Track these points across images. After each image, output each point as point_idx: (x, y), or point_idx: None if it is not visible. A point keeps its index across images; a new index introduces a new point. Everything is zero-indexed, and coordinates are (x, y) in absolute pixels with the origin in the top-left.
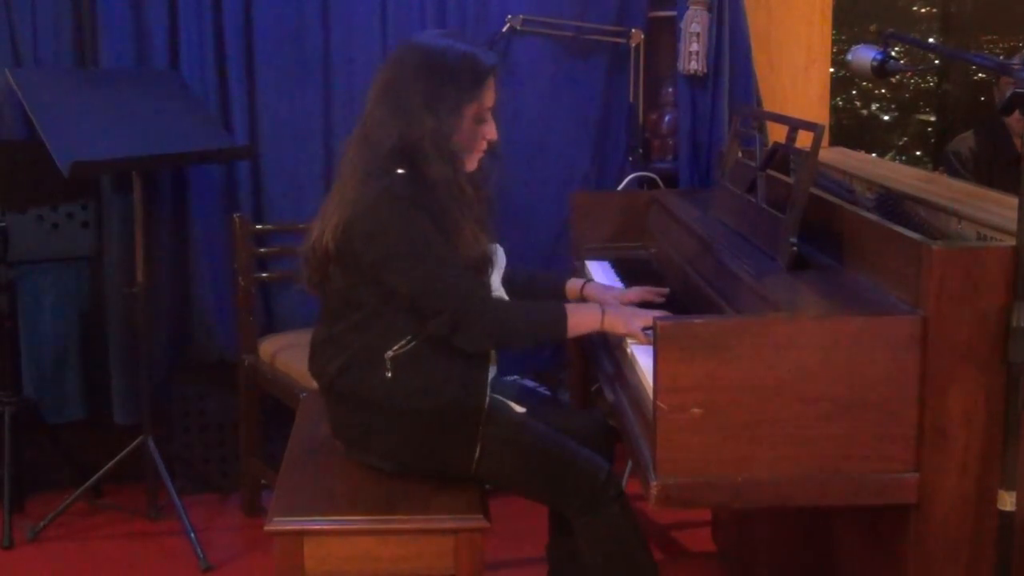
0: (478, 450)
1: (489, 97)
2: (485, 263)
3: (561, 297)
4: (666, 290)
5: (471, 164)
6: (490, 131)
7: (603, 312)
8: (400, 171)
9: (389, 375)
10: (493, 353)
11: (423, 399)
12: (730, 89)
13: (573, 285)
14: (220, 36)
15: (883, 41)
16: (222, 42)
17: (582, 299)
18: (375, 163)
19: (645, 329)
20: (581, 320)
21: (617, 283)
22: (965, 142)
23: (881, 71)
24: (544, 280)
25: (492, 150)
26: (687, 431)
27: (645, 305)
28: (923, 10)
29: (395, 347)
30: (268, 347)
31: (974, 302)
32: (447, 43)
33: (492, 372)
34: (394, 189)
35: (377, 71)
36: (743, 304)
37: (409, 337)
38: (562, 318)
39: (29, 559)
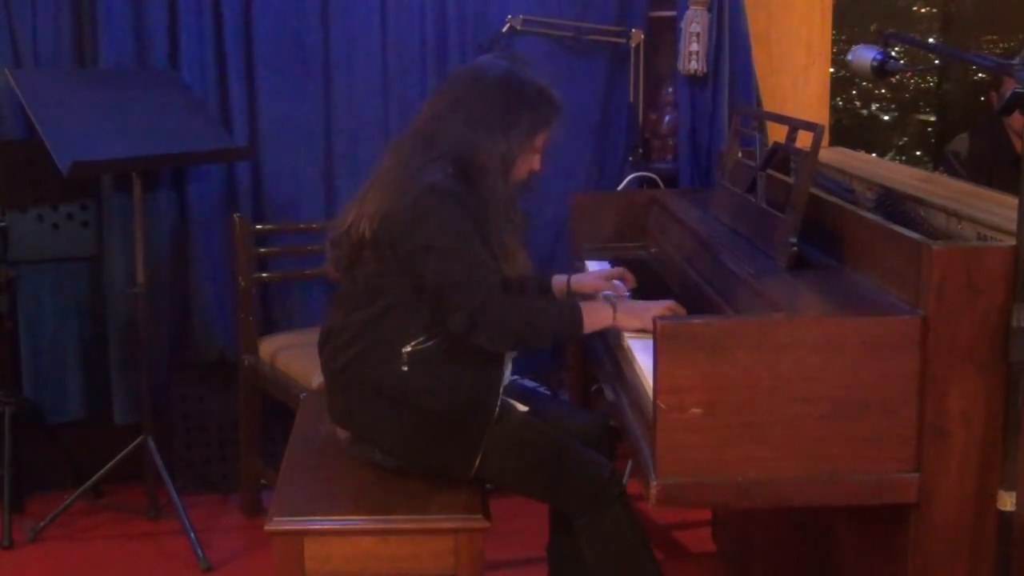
0: (480, 455)
1: (550, 132)
2: (528, 282)
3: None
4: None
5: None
6: (537, 162)
7: (615, 308)
8: (451, 171)
9: (405, 369)
10: (507, 355)
11: (435, 398)
12: (730, 89)
13: (559, 282)
14: (220, 36)
15: (883, 41)
16: (222, 42)
17: (571, 294)
18: (428, 162)
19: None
20: (596, 318)
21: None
22: (964, 142)
23: (881, 71)
24: (530, 288)
25: (529, 181)
26: (687, 431)
27: (648, 295)
28: (923, 10)
29: (413, 342)
30: (268, 347)
31: (974, 302)
32: (527, 73)
33: (507, 376)
34: (441, 184)
35: (446, 81)
36: (743, 304)
37: (428, 334)
38: (578, 317)
39: (29, 559)
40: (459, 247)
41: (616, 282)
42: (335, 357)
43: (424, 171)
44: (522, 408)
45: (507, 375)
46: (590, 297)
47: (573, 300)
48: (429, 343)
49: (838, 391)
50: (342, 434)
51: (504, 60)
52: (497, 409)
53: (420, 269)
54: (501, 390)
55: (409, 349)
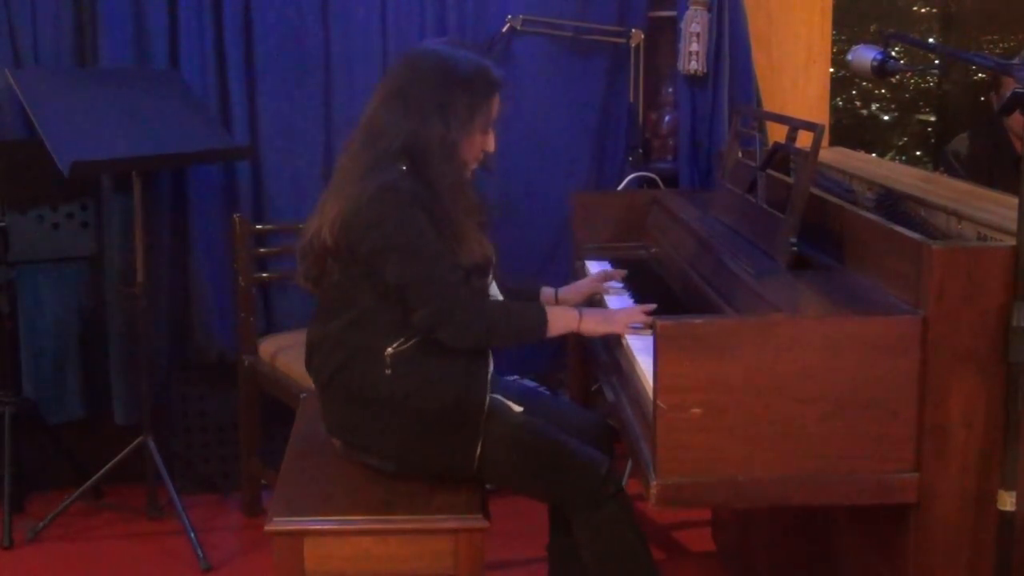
0: (479, 449)
1: (495, 109)
2: (488, 265)
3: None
4: (623, 272)
5: (468, 173)
6: (490, 143)
7: (580, 315)
8: (403, 167)
9: (389, 372)
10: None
11: (424, 397)
12: (730, 89)
13: (547, 295)
14: (220, 36)
15: (883, 41)
16: (222, 42)
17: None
18: (378, 160)
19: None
20: (559, 322)
21: (616, 284)
22: (964, 142)
23: (881, 71)
24: (517, 292)
25: (486, 162)
26: (687, 431)
27: (648, 295)
28: (923, 10)
29: (395, 344)
30: (268, 347)
31: (974, 302)
32: (461, 52)
33: (491, 365)
34: (395, 183)
35: (386, 73)
36: (743, 304)
37: (405, 336)
38: (543, 320)
39: (29, 559)
40: (417, 246)
41: (612, 283)
42: (321, 369)
43: (376, 170)
44: (517, 408)
45: (491, 365)
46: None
47: (540, 304)
48: (408, 344)
49: (838, 391)
50: (336, 443)
51: (441, 43)
52: (488, 399)
53: (382, 270)
54: (488, 379)
55: (390, 351)
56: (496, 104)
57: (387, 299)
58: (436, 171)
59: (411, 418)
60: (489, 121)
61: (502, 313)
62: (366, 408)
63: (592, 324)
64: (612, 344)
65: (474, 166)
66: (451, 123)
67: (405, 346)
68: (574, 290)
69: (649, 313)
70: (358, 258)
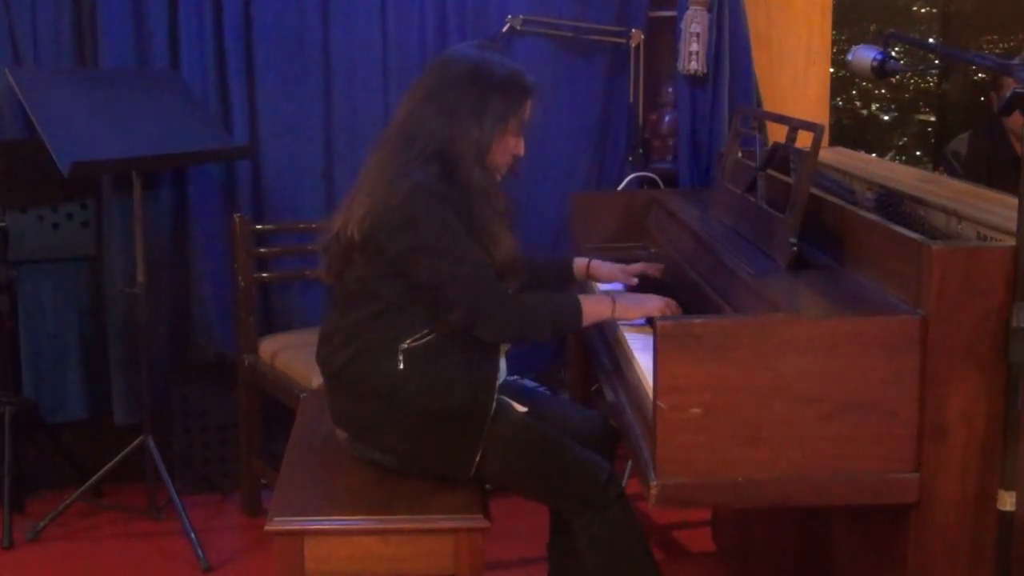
0: (479, 454)
1: (527, 114)
2: (517, 268)
3: (569, 278)
4: (662, 266)
5: (498, 176)
6: (519, 147)
7: (614, 301)
8: (434, 169)
9: (401, 367)
10: (502, 352)
11: (431, 397)
12: (730, 89)
13: (579, 264)
14: (220, 36)
15: (883, 41)
16: (222, 42)
17: (588, 276)
18: (411, 162)
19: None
20: (594, 310)
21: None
22: (964, 142)
23: (881, 71)
24: (546, 265)
25: (515, 167)
26: (687, 431)
27: (655, 287)
28: (923, 10)
29: (410, 340)
30: (268, 347)
31: (974, 302)
32: (495, 57)
33: (502, 374)
34: (427, 184)
35: (422, 76)
36: (743, 304)
37: (425, 331)
38: (578, 309)
39: (29, 559)
40: (449, 245)
41: (633, 278)
42: (332, 359)
43: (408, 171)
44: (521, 408)
45: (503, 372)
46: (602, 282)
47: (572, 294)
48: (422, 342)
49: (838, 391)
50: (341, 435)
51: (473, 47)
52: (494, 406)
53: (414, 270)
54: (497, 387)
55: (406, 346)
56: (528, 109)
57: (410, 296)
58: (469, 174)
59: (416, 416)
60: (521, 126)
61: (538, 306)
62: (373, 401)
63: (624, 311)
64: (612, 344)
65: (504, 169)
66: (485, 126)
67: (419, 343)
68: (604, 269)
69: (650, 315)
70: (386, 256)
